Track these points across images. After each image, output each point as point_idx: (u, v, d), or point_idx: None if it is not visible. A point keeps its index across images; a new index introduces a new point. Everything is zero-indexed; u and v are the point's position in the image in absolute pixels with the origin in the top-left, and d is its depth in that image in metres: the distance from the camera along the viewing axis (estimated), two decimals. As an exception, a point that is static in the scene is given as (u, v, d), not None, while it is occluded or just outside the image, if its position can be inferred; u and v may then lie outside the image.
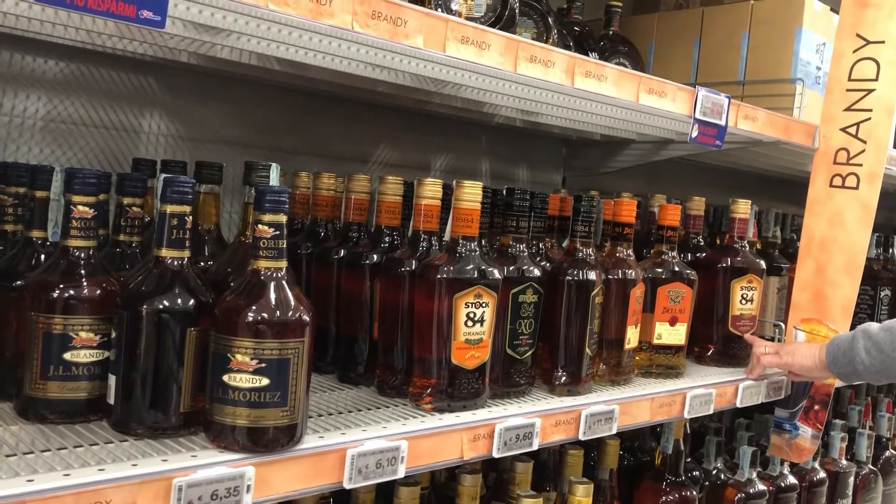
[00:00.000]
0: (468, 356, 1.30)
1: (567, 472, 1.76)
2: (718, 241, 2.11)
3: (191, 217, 1.07)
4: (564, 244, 1.63)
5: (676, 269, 1.76)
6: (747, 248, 1.99)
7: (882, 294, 2.82)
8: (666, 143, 2.27)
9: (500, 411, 1.33)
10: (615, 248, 1.66)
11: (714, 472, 2.18)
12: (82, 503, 0.82)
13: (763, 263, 1.99)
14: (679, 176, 2.52)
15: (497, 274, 1.33)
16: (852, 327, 2.75)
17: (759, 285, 1.97)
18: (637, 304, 1.65)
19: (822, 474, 2.29)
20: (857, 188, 1.90)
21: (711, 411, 1.73)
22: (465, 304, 1.29)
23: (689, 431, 2.14)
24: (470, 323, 1.29)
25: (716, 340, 1.95)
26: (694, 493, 1.93)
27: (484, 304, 1.31)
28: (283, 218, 1.04)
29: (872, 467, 2.51)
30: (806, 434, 1.97)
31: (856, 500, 2.44)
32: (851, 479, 2.40)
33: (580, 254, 1.54)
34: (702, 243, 2.08)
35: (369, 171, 1.52)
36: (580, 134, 2.37)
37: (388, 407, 1.30)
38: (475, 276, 1.29)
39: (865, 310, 2.81)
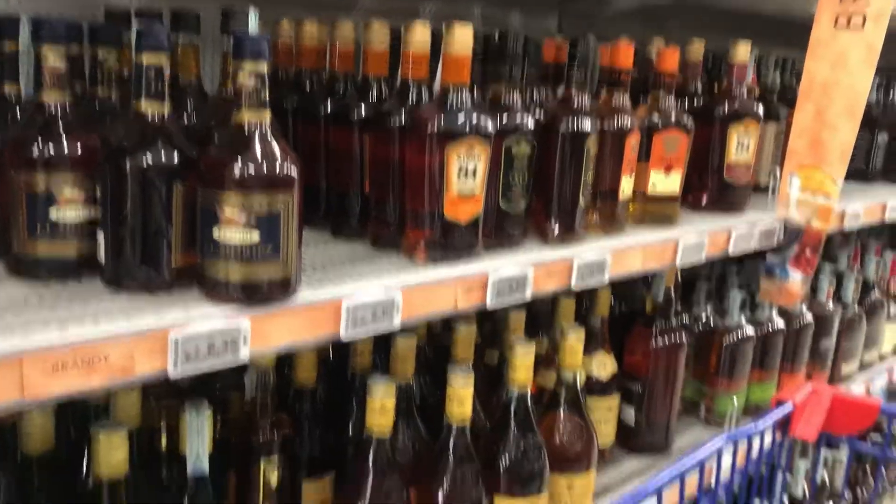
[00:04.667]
0: (461, 209, 1.29)
1: (559, 320, 1.80)
2: (717, 88, 2.05)
3: (169, 69, 1.03)
4: (559, 93, 1.58)
5: (673, 116, 1.72)
6: (745, 94, 1.94)
7: (879, 139, 2.79)
8: (666, -16, 2.16)
9: (493, 262, 1.34)
10: (611, 96, 1.62)
11: (704, 317, 2.24)
12: (79, 358, 0.83)
13: (761, 109, 1.95)
14: (680, 21, 2.41)
15: (490, 125, 1.29)
16: (848, 172, 2.75)
17: (756, 132, 1.93)
18: (632, 153, 1.62)
19: (809, 317, 2.35)
20: (862, 28, 1.82)
21: (703, 259, 1.75)
22: (458, 156, 1.26)
23: (679, 280, 2.17)
24: (462, 175, 1.27)
25: (710, 188, 1.94)
26: (683, 337, 1.98)
27: (476, 156, 1.28)
28: (263, 66, 0.99)
29: (858, 309, 2.58)
30: (796, 278, 2.00)
31: (840, 341, 2.51)
32: (837, 321, 2.47)
33: (575, 102, 1.50)
34: (700, 90, 2.02)
35: (354, 19, 1.44)
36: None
37: (382, 260, 1.31)
38: (467, 127, 1.26)
39: (863, 155, 2.79)
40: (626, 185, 1.64)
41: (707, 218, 1.89)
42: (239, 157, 0.98)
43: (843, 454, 2.46)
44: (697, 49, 1.99)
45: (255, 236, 0.98)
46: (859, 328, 2.58)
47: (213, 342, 0.93)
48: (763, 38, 2.39)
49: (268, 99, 1.02)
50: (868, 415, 1.35)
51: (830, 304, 2.45)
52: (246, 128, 1.00)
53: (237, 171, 0.97)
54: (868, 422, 1.36)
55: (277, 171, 0.99)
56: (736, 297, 2.16)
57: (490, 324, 1.87)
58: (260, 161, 0.98)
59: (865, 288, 2.66)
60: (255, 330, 0.98)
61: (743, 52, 1.90)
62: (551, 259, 1.41)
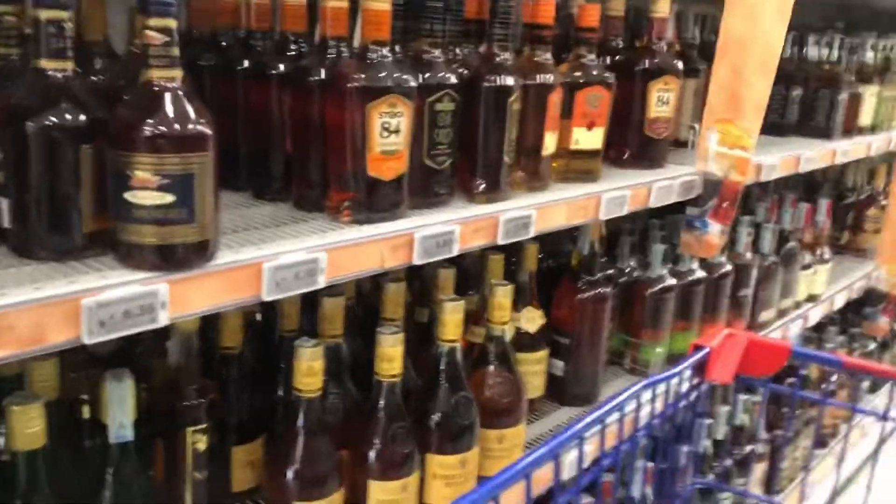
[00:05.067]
0: (385, 167, 1.28)
1: (488, 277, 1.81)
2: (638, 44, 2.07)
3: (71, 23, 0.98)
4: (482, 50, 1.57)
5: (595, 72, 1.74)
6: (665, 50, 1.97)
7: (794, 94, 2.88)
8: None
9: (419, 220, 1.33)
10: (534, 53, 1.62)
11: (628, 270, 2.29)
12: (-16, 329, 0.80)
13: (681, 65, 1.98)
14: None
15: (412, 81, 1.28)
16: (764, 127, 2.83)
17: (676, 87, 1.96)
18: (555, 109, 1.63)
19: (729, 267, 2.43)
20: (776, -18, 1.87)
21: (625, 212, 1.78)
22: (380, 114, 1.24)
23: (604, 234, 2.22)
24: (385, 133, 1.26)
25: (632, 143, 1.97)
26: (608, 290, 2.03)
27: (399, 114, 1.27)
28: (172, 22, 0.96)
29: (774, 258, 2.68)
30: (714, 230, 2.06)
31: (758, 290, 2.61)
32: (755, 271, 2.56)
33: (498, 59, 1.49)
34: (621, 46, 2.04)
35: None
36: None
37: (306, 221, 1.29)
38: (389, 84, 1.24)
39: (777, 109, 2.88)
40: (550, 142, 1.65)
41: (629, 172, 1.93)
42: (149, 116, 0.95)
43: (759, 397, 2.58)
44: (618, 4, 2.00)
45: (168, 199, 0.95)
46: (776, 277, 2.69)
47: (129, 308, 0.90)
48: (683, -6, 2.42)
49: (179, 56, 0.98)
50: (781, 356, 1.36)
51: (749, 255, 2.54)
52: (156, 86, 0.97)
53: (147, 132, 0.94)
54: (780, 363, 1.37)
55: (189, 130, 0.96)
56: (658, 249, 2.22)
57: (420, 282, 1.87)
58: (171, 120, 0.95)
59: (781, 238, 2.76)
60: (173, 294, 0.96)
61: (663, 6, 1.92)
62: (477, 215, 1.42)
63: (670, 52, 2.13)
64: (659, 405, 1.40)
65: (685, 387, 1.36)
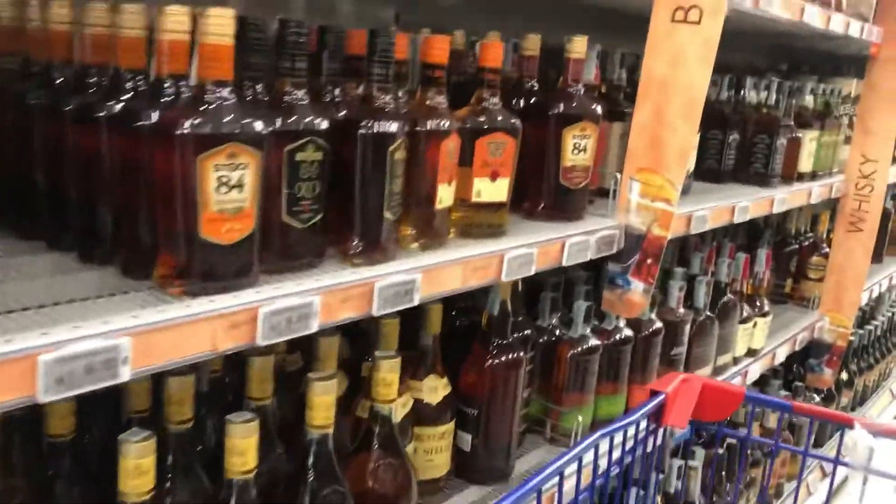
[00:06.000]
0: (225, 229, 1.08)
1: (383, 344, 1.61)
2: (553, 87, 1.91)
3: None
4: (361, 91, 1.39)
5: (498, 117, 1.56)
6: (583, 93, 1.81)
7: (731, 138, 2.75)
8: (503, -27, 2.01)
9: (271, 291, 1.13)
10: (425, 95, 1.44)
11: (549, 328, 2.11)
12: None
13: (599, 109, 1.82)
14: (528, 13, 2.28)
15: (259, 127, 1.09)
16: (699, 173, 2.70)
17: (594, 133, 1.80)
18: (450, 158, 1.45)
19: (659, 324, 2.26)
20: (699, 23, 1.72)
21: (533, 272, 1.60)
22: (216, 165, 1.05)
23: (520, 289, 2.03)
24: (224, 189, 1.06)
25: (546, 194, 1.80)
26: (522, 354, 1.84)
27: (242, 166, 1.07)
28: None
29: (710, 313, 2.52)
30: (637, 288, 1.89)
31: (692, 346, 2.45)
32: (688, 327, 2.40)
33: (377, 101, 1.31)
34: (536, 88, 1.88)
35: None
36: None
37: (130, 293, 1.08)
38: (226, 130, 1.05)
39: (714, 154, 2.75)
40: (445, 194, 1.47)
41: (544, 226, 1.75)
42: None
43: (696, 462, 2.40)
44: (533, 43, 1.84)
45: None
46: (712, 333, 2.53)
47: None
48: (610, 32, 2.28)
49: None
50: (734, 400, 1.40)
51: (681, 310, 2.38)
52: None
53: None
54: (734, 407, 1.41)
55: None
56: (580, 307, 2.04)
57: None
58: None
59: (718, 291, 2.61)
60: None
61: (579, 46, 1.77)
62: (347, 282, 1.22)
63: (591, 94, 1.98)
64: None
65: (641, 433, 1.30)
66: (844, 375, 3.91)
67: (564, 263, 1.69)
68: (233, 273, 1.10)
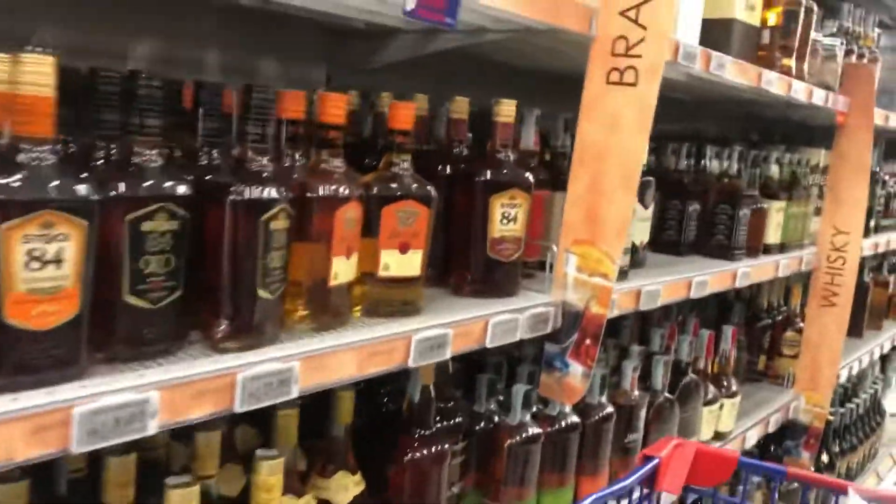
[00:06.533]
0: (37, 312, 0.90)
1: (281, 439, 1.42)
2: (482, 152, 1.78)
3: None
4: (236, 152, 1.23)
5: (409, 183, 1.41)
6: (513, 159, 1.67)
7: (691, 209, 2.61)
8: (434, 33, 1.90)
9: (99, 385, 0.95)
10: (320, 158, 1.29)
11: (486, 414, 1.91)
12: None
13: (530, 177, 1.67)
14: (460, 75, 2.17)
15: (84, 192, 0.93)
16: (658, 245, 2.55)
17: (524, 202, 1.65)
18: (348, 228, 1.29)
19: (610, 409, 2.07)
20: (635, 84, 1.59)
21: (449, 356, 1.42)
22: (24, 237, 0.88)
23: (450, 371, 1.85)
24: (36, 265, 0.89)
25: (474, 268, 1.64)
26: (446, 446, 1.65)
27: (60, 237, 0.91)
28: None
29: (669, 395, 2.34)
30: (576, 372, 1.71)
31: (648, 431, 2.25)
32: (643, 411, 2.21)
33: (253, 164, 1.16)
34: (465, 153, 1.74)
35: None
36: (340, 20, 1.96)
37: (-78, 387, 0.90)
38: (39, 196, 0.89)
39: (674, 226, 2.61)
40: (343, 268, 1.30)
41: (470, 303, 1.59)
42: None
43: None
44: (461, 106, 1.71)
45: None
46: (671, 416, 2.34)
47: None
48: (556, 97, 2.16)
49: None
50: (728, 466, 1.39)
51: (636, 393, 2.19)
52: None
53: None
54: (728, 473, 1.40)
55: None
56: (519, 390, 1.85)
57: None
58: None
59: (678, 371, 2.43)
60: None
61: (507, 109, 1.63)
62: (202, 374, 1.04)
63: (526, 160, 1.84)
64: None
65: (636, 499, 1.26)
66: (826, 458, 3.70)
67: (489, 345, 1.52)
68: (50, 364, 0.92)
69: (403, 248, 1.40)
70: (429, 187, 1.42)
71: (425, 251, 1.44)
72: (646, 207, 2.22)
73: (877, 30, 3.63)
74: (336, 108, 1.27)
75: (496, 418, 1.89)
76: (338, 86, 2.05)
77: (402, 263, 1.41)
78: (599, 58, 1.63)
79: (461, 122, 1.72)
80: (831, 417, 3.69)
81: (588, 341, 1.68)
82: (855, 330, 4.19)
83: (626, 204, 1.61)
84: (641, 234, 2.23)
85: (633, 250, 2.18)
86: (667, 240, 2.61)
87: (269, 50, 1.97)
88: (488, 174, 1.61)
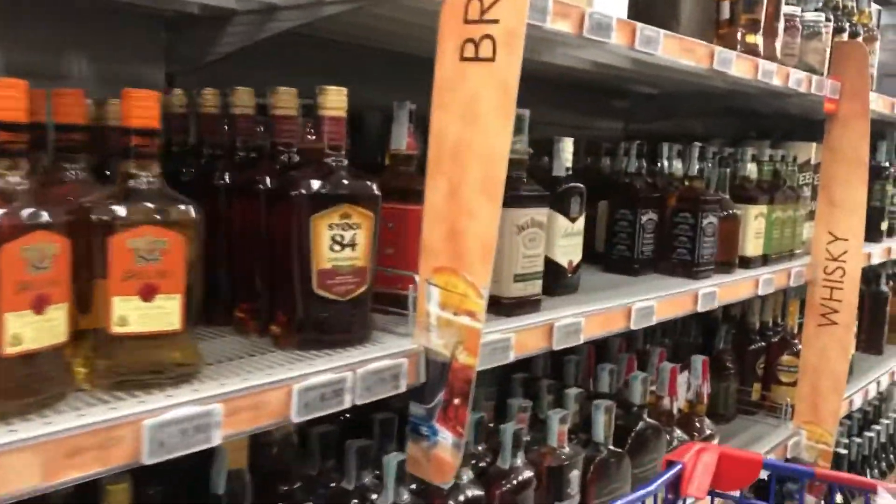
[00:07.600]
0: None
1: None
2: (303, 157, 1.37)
3: None
4: None
5: (149, 202, 1.02)
6: (345, 164, 1.26)
7: (644, 218, 2.18)
8: (271, 12, 1.51)
9: None
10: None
11: (355, 491, 1.50)
12: None
13: (374, 187, 1.26)
14: (316, 64, 1.78)
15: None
16: (610, 264, 2.14)
17: (366, 221, 1.24)
18: (30, 268, 0.90)
19: (528, 474, 1.65)
20: (493, 59, 1.19)
21: (216, 443, 1.01)
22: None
23: (293, 442, 1.45)
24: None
25: (299, 310, 1.24)
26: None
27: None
28: None
29: (615, 448, 1.90)
30: (446, 442, 1.29)
31: (588, 495, 1.82)
32: (577, 472, 1.78)
33: None
34: (295, 159, 1.35)
35: None
36: (175, 6, 1.59)
37: None
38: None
39: (625, 239, 2.18)
40: (25, 329, 0.91)
41: (291, 358, 1.19)
42: None
43: None
44: (286, 100, 1.32)
45: None
46: (619, 474, 1.90)
47: None
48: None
49: None
50: (753, 469, 1.38)
51: (566, 449, 1.76)
52: None
53: None
54: (753, 476, 1.38)
55: None
56: (391, 462, 1.43)
57: None
58: None
59: (629, 416, 1.99)
60: None
61: (335, 100, 1.23)
62: None
63: (397, 167, 1.45)
64: None
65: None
66: (839, 499, 3.20)
67: (295, 419, 1.11)
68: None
69: (148, 293, 1.00)
70: (183, 206, 1.02)
71: (186, 294, 1.04)
72: (572, 220, 1.81)
73: (874, 5, 3.17)
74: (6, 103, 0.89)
75: (367, 498, 1.47)
76: (183, 86, 1.67)
77: (148, 315, 1.01)
78: (450, 26, 1.23)
79: (287, 120, 1.33)
80: (844, 451, 3.22)
81: (457, 401, 1.26)
82: (873, 346, 3.71)
83: (489, 216, 1.20)
84: (569, 252, 1.81)
85: (557, 272, 1.77)
86: (619, 257, 2.18)
87: (89, 46, 1.61)
88: (308, 186, 1.21)
